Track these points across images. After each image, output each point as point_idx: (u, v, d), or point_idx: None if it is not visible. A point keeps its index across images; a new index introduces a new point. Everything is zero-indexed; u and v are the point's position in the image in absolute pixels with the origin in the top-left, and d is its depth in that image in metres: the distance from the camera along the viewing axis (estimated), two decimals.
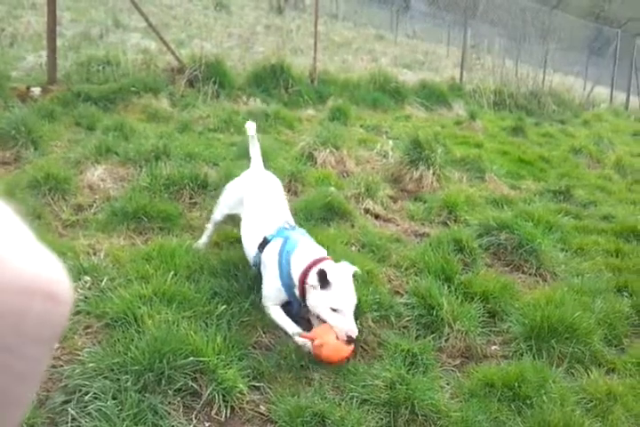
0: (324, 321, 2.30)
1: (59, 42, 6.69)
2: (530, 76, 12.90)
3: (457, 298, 2.93)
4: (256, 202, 2.82)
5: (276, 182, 3.10)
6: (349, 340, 2.22)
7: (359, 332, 2.32)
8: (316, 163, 5.28)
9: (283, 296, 2.49)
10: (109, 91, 6.24)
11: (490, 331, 2.84)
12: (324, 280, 2.26)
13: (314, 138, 5.70)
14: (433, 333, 2.66)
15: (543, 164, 6.57)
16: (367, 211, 4.22)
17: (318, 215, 3.84)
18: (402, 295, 2.95)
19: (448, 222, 4.20)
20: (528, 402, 2.25)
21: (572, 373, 2.60)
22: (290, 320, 2.44)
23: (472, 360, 2.62)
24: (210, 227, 3.16)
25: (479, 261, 3.54)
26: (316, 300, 2.31)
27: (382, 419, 2.02)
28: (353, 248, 3.46)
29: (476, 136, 7.51)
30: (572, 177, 6.06)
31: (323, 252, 2.53)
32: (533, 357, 2.61)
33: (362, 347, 2.43)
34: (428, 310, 2.76)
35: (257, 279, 2.64)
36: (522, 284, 3.44)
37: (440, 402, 2.12)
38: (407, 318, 2.72)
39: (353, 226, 3.79)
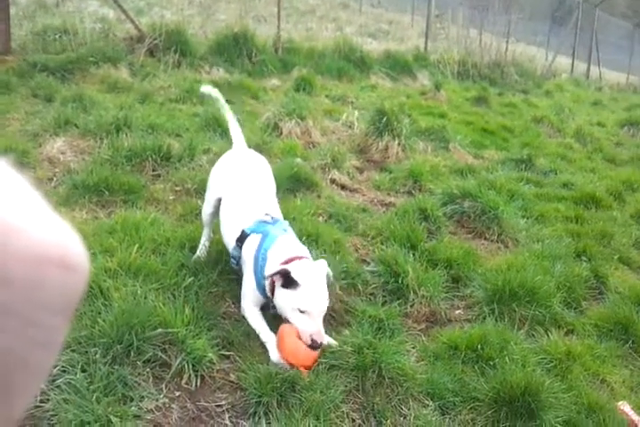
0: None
1: (12, 10, 6.38)
2: (493, 46, 12.94)
3: (422, 265, 2.99)
4: (236, 188, 2.53)
5: (260, 163, 2.76)
6: (313, 345, 2.03)
7: (329, 303, 2.16)
8: (281, 134, 5.23)
9: (259, 297, 2.29)
10: (67, 61, 6.00)
11: (453, 296, 2.92)
12: (287, 279, 2.10)
13: (279, 108, 5.63)
14: (399, 299, 2.72)
15: (506, 133, 6.67)
16: (333, 181, 4.23)
17: (285, 186, 3.82)
18: (368, 263, 2.99)
19: (413, 192, 4.25)
20: (491, 363, 2.34)
21: (533, 334, 2.71)
22: (265, 326, 2.25)
23: (437, 325, 2.69)
24: (205, 231, 2.74)
25: (443, 228, 3.61)
26: (282, 299, 2.14)
27: (350, 383, 2.07)
28: (320, 219, 3.47)
29: (441, 106, 7.54)
30: (534, 146, 6.17)
31: (302, 250, 2.31)
32: (495, 320, 2.69)
33: (330, 315, 2.46)
34: (393, 278, 2.81)
35: (224, 252, 2.60)
36: (484, 250, 3.53)
37: (406, 365, 2.18)
38: (374, 286, 2.77)
39: (319, 196, 3.80)
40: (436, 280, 2.90)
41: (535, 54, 15.65)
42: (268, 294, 2.21)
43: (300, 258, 2.21)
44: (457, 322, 2.75)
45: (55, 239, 0.37)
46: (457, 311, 2.84)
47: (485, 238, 3.70)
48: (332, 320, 2.45)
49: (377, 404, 2.02)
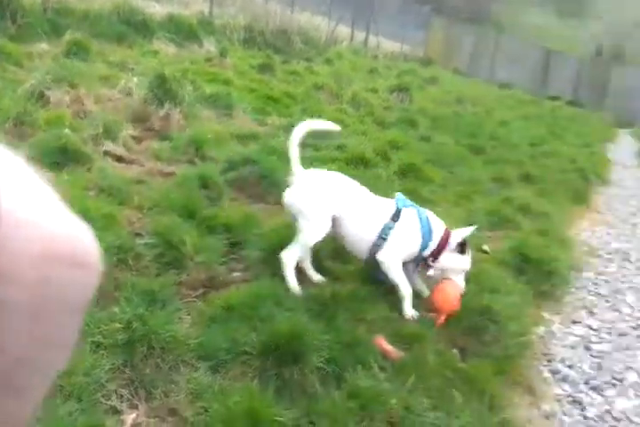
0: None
1: None
2: (279, 13, 13.19)
3: (200, 233, 3.02)
4: (354, 200, 2.97)
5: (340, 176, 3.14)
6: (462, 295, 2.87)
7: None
8: (48, 103, 4.78)
9: (411, 256, 2.90)
10: None
11: (232, 259, 3.01)
12: (462, 247, 2.87)
13: (45, 75, 5.12)
14: (175, 269, 2.73)
15: (289, 100, 6.92)
16: (107, 153, 4.01)
17: (51, 160, 3.54)
18: (143, 236, 2.93)
19: (195, 160, 4.23)
20: (264, 318, 2.48)
21: (303, 286, 2.92)
22: (406, 280, 2.89)
23: (214, 289, 2.77)
24: (299, 258, 2.97)
25: (224, 195, 3.67)
26: (453, 262, 2.90)
27: (118, 360, 2.03)
28: (91, 193, 3.29)
29: (226, 73, 7.53)
30: (314, 112, 6.50)
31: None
32: (270, 277, 2.85)
33: (98, 293, 2.37)
34: (169, 248, 2.80)
35: None
36: (264, 213, 3.68)
37: (179, 333, 2.21)
38: (148, 258, 2.73)
39: (90, 170, 3.58)
40: (215, 246, 2.96)
41: (320, 23, 16.32)
42: (427, 261, 2.92)
43: (449, 230, 2.93)
44: (235, 284, 2.85)
45: (65, 233, 0.34)
46: (235, 274, 2.94)
47: (266, 202, 3.85)
48: (101, 299, 2.36)
49: (146, 376, 2.02)
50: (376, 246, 2.89)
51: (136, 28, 9.61)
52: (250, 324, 2.47)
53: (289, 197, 2.90)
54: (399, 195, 3.03)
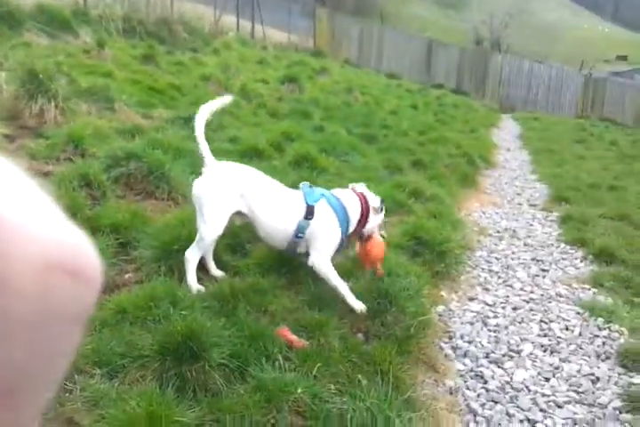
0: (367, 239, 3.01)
1: None
2: (158, 2, 12.68)
3: (84, 234, 2.81)
4: (262, 193, 2.88)
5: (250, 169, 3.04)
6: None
7: None
8: None
9: (337, 246, 2.89)
10: None
11: (122, 260, 2.84)
12: (382, 204, 3.02)
13: None
14: None
15: (174, 92, 6.67)
16: None
17: None
18: None
19: (73, 158, 3.94)
20: (159, 319, 2.36)
21: (202, 283, 2.82)
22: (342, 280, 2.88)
23: (105, 293, 2.60)
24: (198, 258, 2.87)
25: (109, 193, 3.46)
26: (376, 221, 3.01)
27: None
28: None
29: (106, 65, 7.11)
30: (202, 103, 6.30)
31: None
32: (164, 276, 2.72)
33: None
34: None
35: None
36: (154, 210, 3.51)
37: None
38: None
39: None
40: (101, 247, 2.77)
41: (204, 13, 15.90)
42: (355, 232, 2.98)
43: (362, 194, 3.01)
44: (127, 286, 2.69)
45: (68, 243, 0.34)
46: (127, 275, 2.78)
47: (155, 198, 3.68)
48: None
49: None
50: (294, 243, 2.86)
51: (3, 18, 8.83)
52: (145, 326, 2.34)
53: (196, 188, 2.79)
54: (304, 186, 2.99)
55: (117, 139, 4.50)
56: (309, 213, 2.84)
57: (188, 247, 2.93)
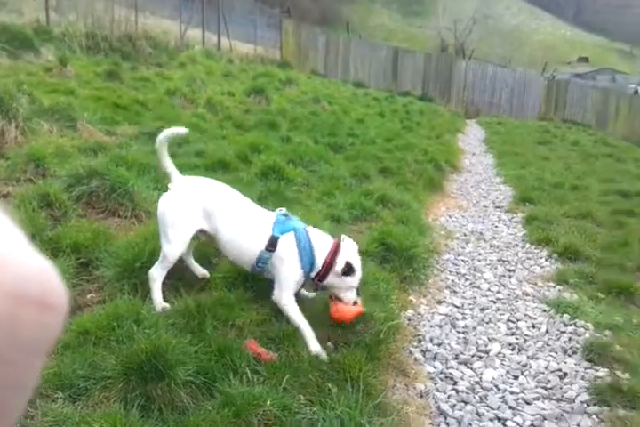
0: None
1: None
2: (122, 18, 12.63)
3: (45, 255, 2.77)
4: (231, 211, 2.78)
5: (220, 184, 2.94)
6: (355, 304, 2.79)
7: None
8: None
9: (299, 286, 2.76)
10: None
11: (84, 280, 2.81)
12: (349, 270, 2.70)
13: None
14: None
15: (139, 107, 6.64)
16: None
17: None
18: None
19: (34, 178, 3.89)
20: (122, 339, 2.34)
21: (169, 300, 2.80)
22: (304, 319, 2.69)
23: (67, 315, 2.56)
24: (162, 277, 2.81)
25: (70, 212, 3.42)
26: (341, 282, 2.74)
27: None
28: None
29: (68, 83, 7.05)
30: (168, 118, 6.30)
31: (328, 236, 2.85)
32: (128, 294, 2.70)
33: None
34: None
35: None
36: (117, 228, 3.48)
37: None
38: None
39: None
40: (62, 268, 2.74)
41: (169, 27, 15.89)
42: (314, 280, 2.76)
43: (338, 245, 2.76)
44: (89, 307, 2.66)
45: (35, 273, 0.33)
46: (89, 296, 2.75)
47: (119, 216, 3.65)
48: None
49: None
50: (257, 269, 2.79)
51: None
52: (108, 346, 2.32)
53: (161, 205, 2.75)
54: (278, 214, 2.82)
55: (80, 157, 4.45)
56: (271, 244, 2.69)
57: (151, 264, 2.91)
